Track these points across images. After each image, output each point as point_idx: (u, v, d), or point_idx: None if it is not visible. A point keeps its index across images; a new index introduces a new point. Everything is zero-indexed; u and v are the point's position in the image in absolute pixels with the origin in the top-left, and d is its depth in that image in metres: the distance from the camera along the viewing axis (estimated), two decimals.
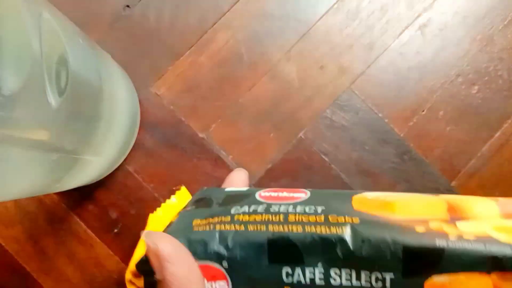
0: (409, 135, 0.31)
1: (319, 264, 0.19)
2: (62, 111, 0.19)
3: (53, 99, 0.18)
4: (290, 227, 0.19)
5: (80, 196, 0.32)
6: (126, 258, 0.32)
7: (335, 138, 0.31)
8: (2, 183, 0.19)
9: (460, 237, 0.17)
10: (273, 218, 0.20)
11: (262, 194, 0.22)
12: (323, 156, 0.31)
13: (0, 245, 0.32)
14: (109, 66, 0.28)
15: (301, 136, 0.31)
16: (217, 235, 0.20)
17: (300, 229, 0.19)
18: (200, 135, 0.32)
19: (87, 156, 0.25)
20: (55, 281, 0.32)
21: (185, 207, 0.23)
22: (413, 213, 0.19)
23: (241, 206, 0.21)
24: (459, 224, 0.18)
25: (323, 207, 0.20)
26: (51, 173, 0.23)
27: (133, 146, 0.32)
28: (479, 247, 0.17)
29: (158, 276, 0.18)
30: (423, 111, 0.31)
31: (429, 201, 0.20)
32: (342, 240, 0.18)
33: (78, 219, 0.32)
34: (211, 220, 0.20)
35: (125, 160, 0.31)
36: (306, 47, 0.32)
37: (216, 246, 0.20)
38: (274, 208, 0.20)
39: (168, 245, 0.18)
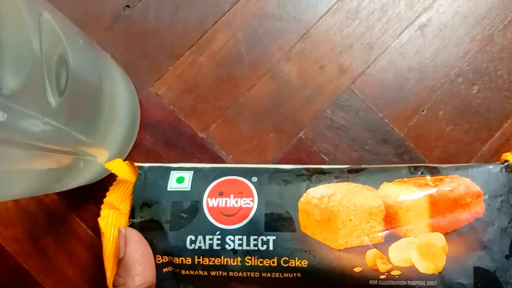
0: (409, 135, 0.31)
1: None
2: (62, 111, 0.19)
3: (53, 99, 0.18)
4: (248, 273, 0.22)
5: (80, 196, 0.32)
6: None
7: (335, 138, 0.31)
8: (2, 183, 0.19)
9: (388, 274, 0.22)
10: (231, 262, 0.22)
11: (210, 205, 0.23)
12: (323, 156, 0.31)
13: (0, 245, 0.32)
14: (109, 66, 0.28)
15: (301, 136, 0.31)
16: (184, 280, 0.23)
17: (257, 274, 0.22)
18: (200, 135, 0.32)
19: (87, 156, 0.25)
20: (55, 281, 0.32)
21: (132, 213, 0.24)
22: (353, 231, 0.22)
23: (196, 237, 0.22)
24: (391, 250, 0.22)
25: (274, 237, 0.22)
26: (51, 173, 0.23)
27: (133, 146, 0.32)
28: (402, 283, 0.22)
29: (121, 254, 0.22)
30: (423, 111, 0.31)
31: (370, 209, 0.22)
32: (295, 281, 0.22)
33: (78, 219, 0.32)
34: (173, 260, 0.23)
35: (125, 160, 0.31)
36: (306, 47, 0.32)
37: (184, 286, 0.24)
38: (229, 244, 0.22)
39: (132, 232, 0.23)
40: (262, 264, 0.22)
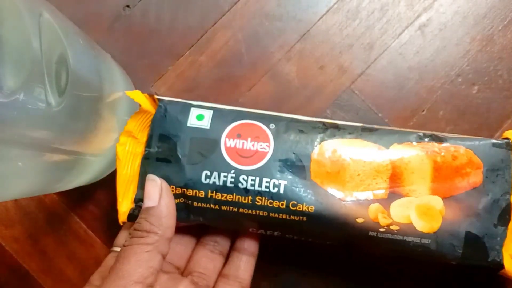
0: None
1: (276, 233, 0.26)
2: (62, 111, 0.19)
3: (53, 99, 0.18)
4: (257, 212, 0.24)
5: (80, 196, 0.32)
6: None
7: None
8: (2, 183, 0.19)
9: (387, 228, 0.23)
10: (243, 200, 0.24)
11: (227, 145, 0.24)
12: None
13: (0, 245, 0.32)
14: (109, 66, 0.28)
15: None
16: (195, 212, 0.25)
17: (265, 213, 0.24)
18: None
19: (87, 156, 0.25)
20: (55, 281, 0.32)
21: (149, 142, 0.25)
22: (360, 185, 0.24)
23: (211, 173, 0.24)
24: (392, 206, 0.24)
25: (285, 182, 0.24)
26: (51, 173, 0.23)
27: None
28: (399, 238, 0.24)
29: (151, 203, 0.23)
30: (423, 111, 0.31)
31: (377, 167, 0.24)
32: (300, 224, 0.24)
33: (78, 219, 0.32)
34: (186, 192, 0.24)
35: None
36: (306, 47, 0.32)
37: (195, 218, 0.25)
38: (242, 183, 0.24)
39: (167, 185, 0.24)
40: (271, 205, 0.24)
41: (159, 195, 0.23)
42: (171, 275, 0.26)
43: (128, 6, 0.33)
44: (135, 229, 0.22)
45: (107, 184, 0.32)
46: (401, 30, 0.31)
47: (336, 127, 0.25)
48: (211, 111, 0.25)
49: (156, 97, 0.26)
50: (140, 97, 0.25)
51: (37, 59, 0.17)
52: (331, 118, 0.31)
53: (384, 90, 0.31)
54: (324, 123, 0.26)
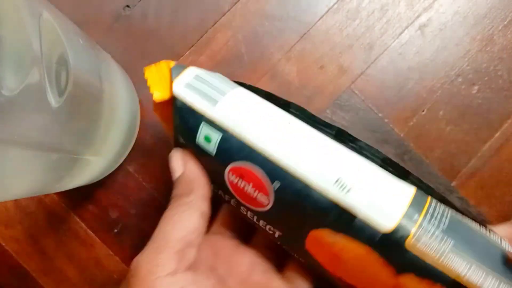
0: (409, 135, 0.31)
1: None
2: (62, 111, 0.19)
3: (53, 99, 0.18)
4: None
5: (80, 196, 0.32)
6: (126, 258, 0.32)
7: None
8: (2, 183, 0.19)
9: None
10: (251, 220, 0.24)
11: (230, 179, 0.23)
12: None
13: (0, 245, 0.32)
14: (109, 66, 0.28)
15: None
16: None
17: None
18: None
19: (87, 156, 0.25)
20: (55, 281, 0.32)
21: (175, 133, 0.24)
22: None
23: (218, 190, 0.25)
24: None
25: (281, 234, 0.24)
26: (51, 173, 0.23)
27: (133, 146, 0.32)
28: None
29: (178, 174, 0.24)
30: (423, 111, 0.31)
31: (375, 275, 0.20)
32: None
33: (78, 219, 0.32)
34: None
35: (125, 160, 0.31)
36: (306, 47, 0.32)
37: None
38: (245, 210, 0.24)
39: (187, 152, 0.24)
40: (269, 232, 0.24)
41: (182, 163, 0.24)
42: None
43: (128, 6, 0.33)
44: (171, 197, 0.23)
45: (107, 184, 0.32)
46: (401, 30, 0.31)
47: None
48: (219, 136, 0.22)
49: (174, 91, 0.23)
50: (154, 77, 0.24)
51: (37, 59, 0.17)
52: (331, 118, 0.31)
53: (384, 90, 0.31)
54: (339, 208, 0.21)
